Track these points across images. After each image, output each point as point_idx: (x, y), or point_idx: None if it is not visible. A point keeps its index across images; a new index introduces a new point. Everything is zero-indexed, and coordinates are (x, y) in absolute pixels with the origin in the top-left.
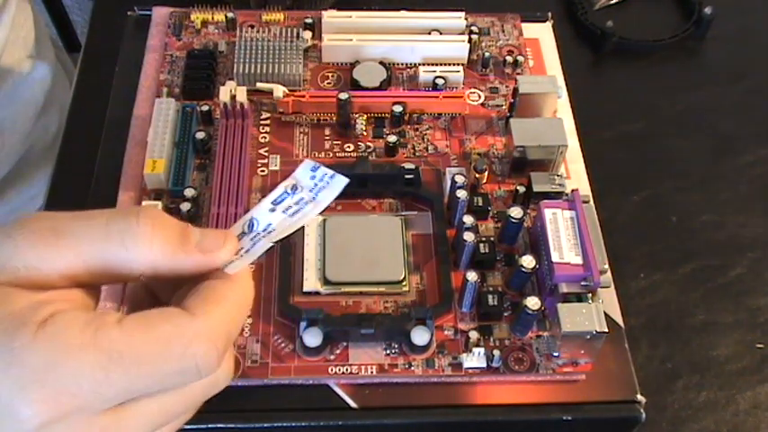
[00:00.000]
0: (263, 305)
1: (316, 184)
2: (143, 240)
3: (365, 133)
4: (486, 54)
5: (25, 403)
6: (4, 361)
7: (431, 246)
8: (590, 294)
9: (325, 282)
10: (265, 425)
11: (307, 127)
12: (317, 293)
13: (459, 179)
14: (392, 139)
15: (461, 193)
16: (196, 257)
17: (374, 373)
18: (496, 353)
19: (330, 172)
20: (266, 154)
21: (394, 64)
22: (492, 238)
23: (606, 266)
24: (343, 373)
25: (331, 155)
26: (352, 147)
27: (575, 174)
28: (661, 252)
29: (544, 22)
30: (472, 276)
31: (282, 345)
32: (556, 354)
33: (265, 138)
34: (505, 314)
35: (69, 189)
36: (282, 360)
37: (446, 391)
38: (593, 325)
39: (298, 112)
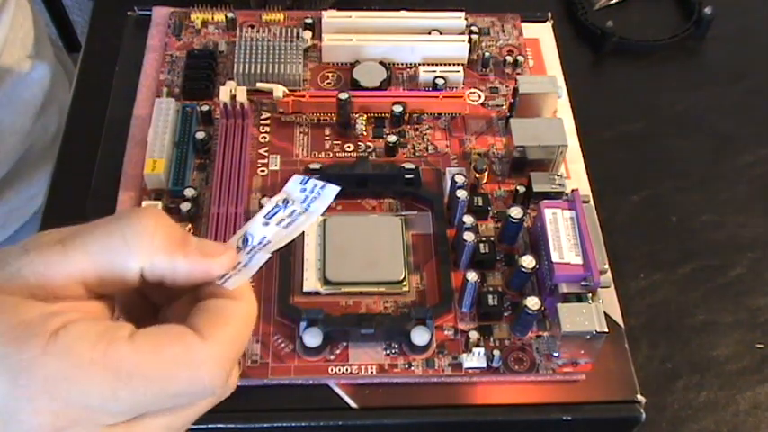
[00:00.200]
0: (263, 305)
1: (307, 196)
2: (144, 235)
3: (365, 133)
4: (486, 54)
5: (32, 414)
6: (13, 370)
7: (431, 246)
8: (590, 294)
9: (325, 282)
10: (265, 425)
11: (307, 127)
12: (317, 293)
13: (459, 179)
14: (392, 139)
15: (461, 193)
16: (195, 259)
17: (374, 373)
18: (496, 353)
19: (320, 183)
20: (266, 154)
21: (394, 64)
22: (492, 238)
23: (606, 266)
24: (343, 373)
25: (331, 155)
26: (352, 147)
27: (575, 174)
28: (661, 252)
29: (544, 22)
30: (472, 276)
31: (282, 345)
32: (556, 354)
33: (265, 138)
34: (505, 314)
35: (69, 189)
36: (282, 360)
37: (446, 391)
38: (593, 325)
39: (298, 112)
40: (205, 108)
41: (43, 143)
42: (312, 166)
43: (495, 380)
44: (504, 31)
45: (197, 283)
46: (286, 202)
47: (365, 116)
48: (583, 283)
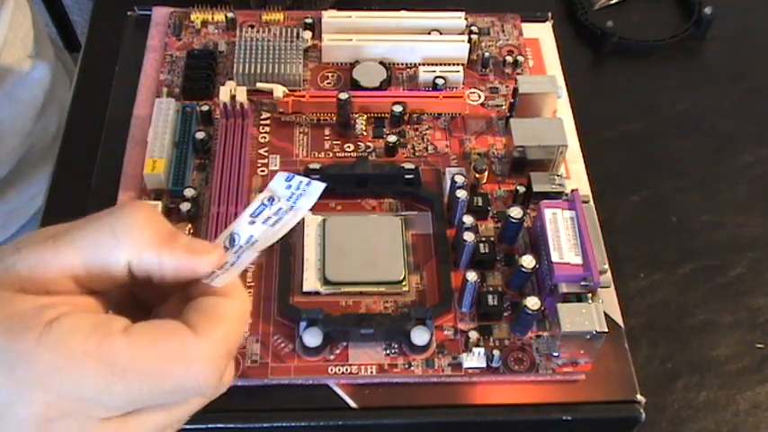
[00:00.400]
0: (263, 305)
1: (293, 193)
2: (133, 228)
3: (365, 133)
4: (486, 54)
5: (25, 404)
6: (7, 362)
7: (431, 246)
8: (590, 294)
9: (325, 282)
10: (265, 425)
11: (307, 127)
12: (317, 293)
13: (459, 179)
14: (392, 139)
15: (461, 193)
16: (182, 255)
17: (374, 373)
18: (496, 353)
19: (305, 179)
20: (266, 154)
21: (394, 64)
22: (492, 238)
23: (606, 266)
24: (343, 373)
25: (331, 155)
26: (352, 147)
27: (575, 174)
28: (661, 252)
29: (544, 22)
30: (472, 276)
31: (282, 345)
32: (556, 354)
33: (265, 138)
34: (505, 314)
35: (69, 189)
36: (282, 360)
37: (446, 391)
38: (593, 325)
39: (298, 112)
40: (205, 108)
41: (43, 143)
42: (312, 166)
43: (494, 380)
44: (504, 31)
45: (184, 280)
46: (271, 199)
47: (365, 116)
48: (583, 283)
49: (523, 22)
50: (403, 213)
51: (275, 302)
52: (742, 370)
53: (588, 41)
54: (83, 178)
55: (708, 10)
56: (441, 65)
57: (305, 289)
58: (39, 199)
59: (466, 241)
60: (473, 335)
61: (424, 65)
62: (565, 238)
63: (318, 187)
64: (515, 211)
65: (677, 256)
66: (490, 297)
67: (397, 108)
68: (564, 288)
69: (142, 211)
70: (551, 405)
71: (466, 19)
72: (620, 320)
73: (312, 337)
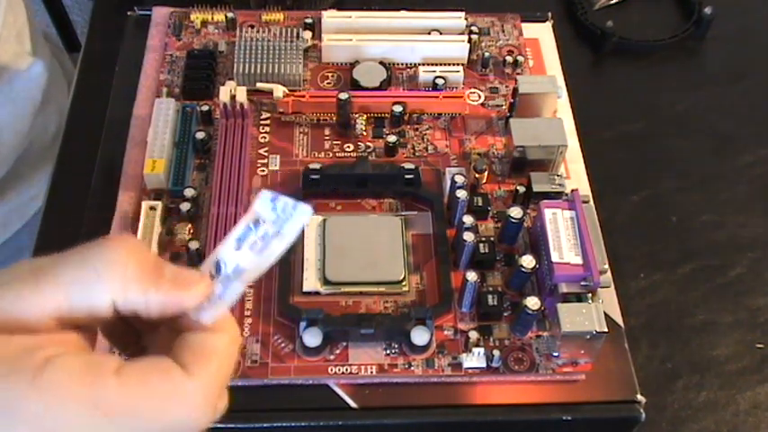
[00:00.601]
0: (263, 305)
1: (278, 216)
2: (116, 266)
3: (365, 133)
4: (486, 54)
5: None
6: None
7: (431, 246)
8: (590, 294)
9: (325, 282)
10: (265, 425)
11: (307, 127)
12: (317, 293)
13: (459, 179)
14: (392, 139)
15: (461, 193)
16: (167, 292)
17: (374, 373)
18: (496, 353)
19: (292, 202)
20: (266, 154)
21: (394, 64)
22: (492, 238)
23: (606, 266)
24: (343, 373)
25: (331, 155)
26: (352, 147)
27: (575, 174)
28: (661, 252)
29: (544, 22)
30: (472, 276)
31: (282, 345)
32: (556, 354)
33: (265, 138)
34: (505, 314)
35: (69, 189)
36: (282, 360)
37: (446, 391)
38: (593, 325)
39: (298, 112)
40: (205, 108)
41: (43, 142)
42: (312, 166)
43: (494, 380)
44: (504, 31)
45: (172, 315)
46: (257, 222)
47: (365, 116)
48: (583, 283)
49: (523, 22)
50: (403, 213)
51: (275, 302)
52: (742, 370)
53: (588, 41)
54: (83, 178)
55: (708, 10)
56: (441, 65)
57: (305, 289)
58: (39, 199)
59: (466, 241)
60: (473, 335)
61: (424, 65)
62: (565, 238)
63: (305, 211)
64: (515, 211)
65: (677, 256)
66: (490, 297)
67: (397, 108)
68: (564, 288)
69: (125, 246)
70: (551, 405)
71: (466, 19)
72: (620, 320)
73: (312, 337)
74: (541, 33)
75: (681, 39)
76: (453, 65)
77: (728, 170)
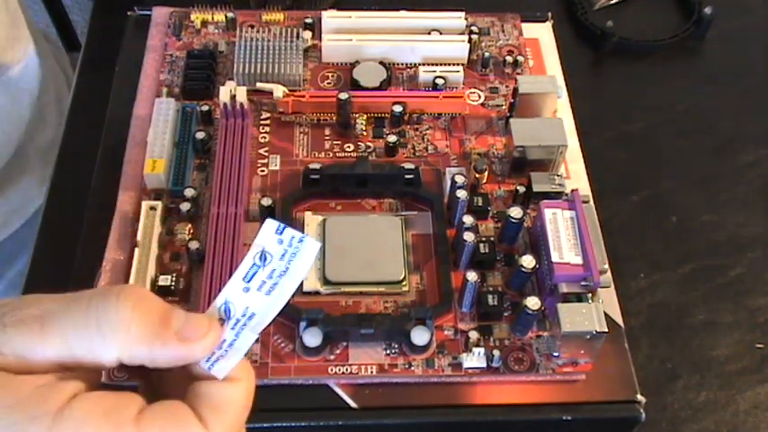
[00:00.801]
0: None
1: (285, 251)
2: (119, 327)
3: (365, 133)
4: (486, 54)
5: None
6: None
7: (431, 246)
8: (590, 294)
9: (325, 282)
10: (265, 425)
11: (307, 127)
12: (317, 293)
13: (459, 179)
14: (392, 139)
15: (461, 193)
16: (174, 347)
17: (374, 373)
18: (496, 353)
19: (298, 235)
20: (266, 154)
21: (394, 64)
22: (492, 238)
23: (606, 266)
24: (343, 373)
25: (331, 155)
26: (352, 147)
27: (575, 174)
28: (661, 252)
29: (544, 22)
30: (472, 276)
31: (282, 345)
32: (556, 354)
33: (265, 138)
34: (505, 314)
35: (69, 189)
36: (282, 360)
37: (446, 391)
38: (593, 325)
39: (298, 112)
40: (205, 108)
41: (42, 140)
42: (312, 166)
43: (494, 380)
44: (504, 31)
45: (180, 366)
46: (263, 258)
47: (365, 116)
48: (583, 283)
49: (523, 22)
50: (403, 213)
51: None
52: (742, 370)
53: (588, 41)
54: (83, 178)
55: (708, 10)
56: (441, 65)
57: (305, 289)
58: (39, 197)
59: (466, 241)
60: (473, 335)
61: (424, 65)
62: (565, 238)
63: (314, 246)
64: (515, 211)
65: (677, 256)
66: (490, 297)
67: (397, 108)
68: (564, 288)
69: (128, 304)
70: (551, 405)
71: (466, 19)
72: (620, 320)
73: (312, 337)
74: (541, 33)
75: (681, 39)
76: (453, 65)
77: (728, 170)
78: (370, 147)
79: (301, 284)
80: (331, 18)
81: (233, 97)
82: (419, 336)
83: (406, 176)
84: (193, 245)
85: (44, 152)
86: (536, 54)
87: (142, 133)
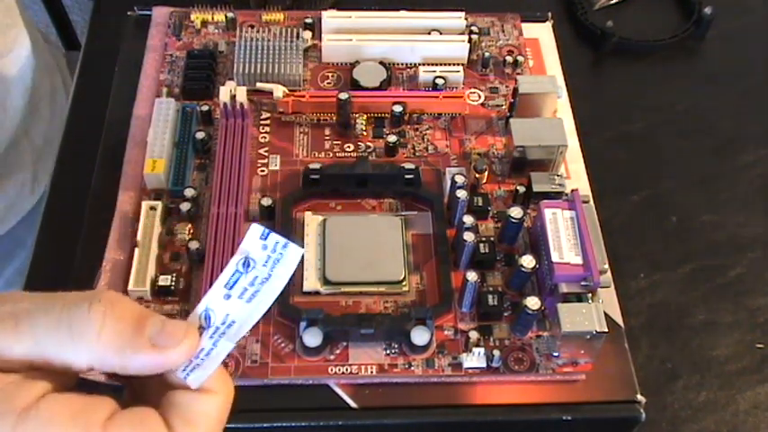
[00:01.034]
0: None
1: (269, 257)
2: (90, 333)
3: (365, 133)
4: (486, 54)
5: None
6: None
7: (431, 246)
8: (590, 294)
9: (325, 282)
10: (265, 425)
11: (307, 127)
12: (317, 293)
13: (459, 179)
14: (392, 139)
15: (461, 193)
16: (147, 355)
17: (374, 373)
18: (496, 353)
19: (282, 240)
20: (266, 154)
21: (394, 64)
22: (492, 238)
23: (606, 266)
24: (343, 373)
25: (331, 155)
26: (352, 147)
27: (575, 174)
28: (661, 252)
29: (544, 22)
30: (472, 276)
31: (282, 345)
32: (556, 354)
33: (265, 138)
34: (505, 314)
35: (69, 189)
36: (282, 360)
37: (446, 391)
38: (593, 325)
39: (298, 112)
40: (205, 108)
41: (37, 133)
42: (312, 166)
43: (494, 380)
44: (504, 31)
45: (156, 373)
46: (246, 264)
47: (365, 116)
48: (583, 283)
49: (523, 22)
50: (403, 213)
51: (275, 302)
52: (742, 370)
53: (588, 41)
54: (83, 178)
55: (708, 10)
56: (441, 65)
57: (305, 289)
58: (36, 195)
59: (466, 241)
60: (473, 335)
61: (424, 65)
62: (565, 238)
63: (296, 252)
64: (515, 211)
65: (677, 256)
66: (490, 297)
67: (397, 108)
68: (564, 288)
69: (100, 308)
70: (551, 405)
71: (466, 19)
72: (620, 320)
73: (312, 337)
74: (541, 33)
75: (681, 39)
76: (453, 65)
77: (728, 170)
78: (370, 147)
79: (302, 285)
80: (331, 18)
81: (233, 97)
82: (419, 336)
83: (406, 176)
84: (193, 245)
85: (38, 148)
86: (536, 54)
87: (142, 133)
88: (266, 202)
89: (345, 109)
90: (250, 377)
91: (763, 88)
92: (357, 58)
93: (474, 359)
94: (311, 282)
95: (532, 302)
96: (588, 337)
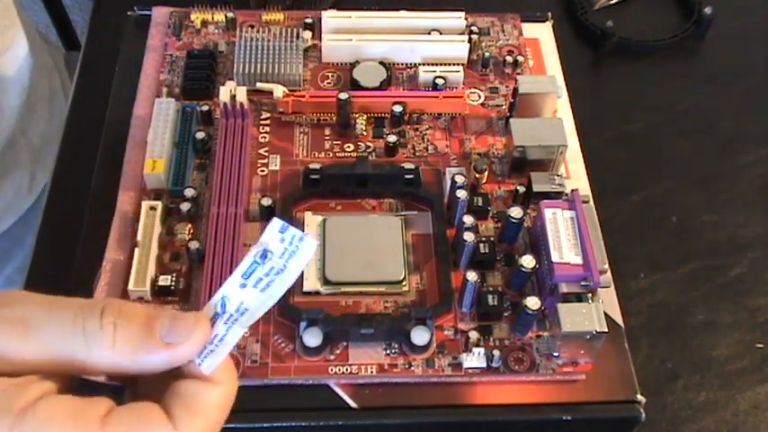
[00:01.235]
0: None
1: (285, 249)
2: (104, 342)
3: (365, 133)
4: (486, 54)
5: None
6: None
7: (431, 246)
8: (590, 294)
9: (325, 282)
10: (265, 425)
11: (307, 127)
12: (317, 293)
13: (459, 179)
14: (392, 139)
15: (461, 193)
16: (160, 354)
17: (374, 373)
18: (496, 353)
19: (299, 233)
20: (266, 154)
21: (394, 64)
22: (492, 238)
23: (606, 266)
24: (343, 373)
25: (331, 155)
26: (352, 147)
27: (575, 174)
28: (661, 252)
29: (544, 22)
30: (472, 276)
31: (282, 345)
32: (556, 354)
33: (265, 138)
34: (505, 314)
35: (69, 189)
36: (282, 360)
37: (446, 391)
38: (593, 325)
39: (298, 112)
40: (205, 108)
41: (34, 133)
42: (312, 166)
43: (494, 380)
44: (504, 31)
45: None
46: (264, 256)
47: (365, 116)
48: (583, 283)
49: (523, 22)
50: (403, 213)
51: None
52: (742, 370)
53: (588, 41)
54: (83, 178)
55: (708, 10)
56: (441, 65)
57: (305, 289)
58: (33, 194)
59: (466, 241)
60: (473, 335)
61: (424, 65)
62: (565, 238)
63: (312, 245)
64: (515, 211)
65: (677, 256)
66: (490, 297)
67: (397, 108)
68: (564, 288)
69: (111, 317)
70: (551, 405)
71: (466, 19)
72: (620, 320)
73: (312, 337)
74: (541, 33)
75: (681, 39)
76: (453, 65)
77: (728, 170)
78: (370, 147)
79: (302, 285)
80: (331, 18)
81: (233, 97)
82: (419, 336)
83: (406, 176)
84: (193, 245)
85: (36, 148)
86: (536, 54)
87: (142, 133)
88: (266, 202)
89: (345, 109)
90: (250, 377)
91: (763, 88)
92: (357, 58)
93: (474, 359)
94: (311, 282)
95: (532, 302)
96: (588, 337)
